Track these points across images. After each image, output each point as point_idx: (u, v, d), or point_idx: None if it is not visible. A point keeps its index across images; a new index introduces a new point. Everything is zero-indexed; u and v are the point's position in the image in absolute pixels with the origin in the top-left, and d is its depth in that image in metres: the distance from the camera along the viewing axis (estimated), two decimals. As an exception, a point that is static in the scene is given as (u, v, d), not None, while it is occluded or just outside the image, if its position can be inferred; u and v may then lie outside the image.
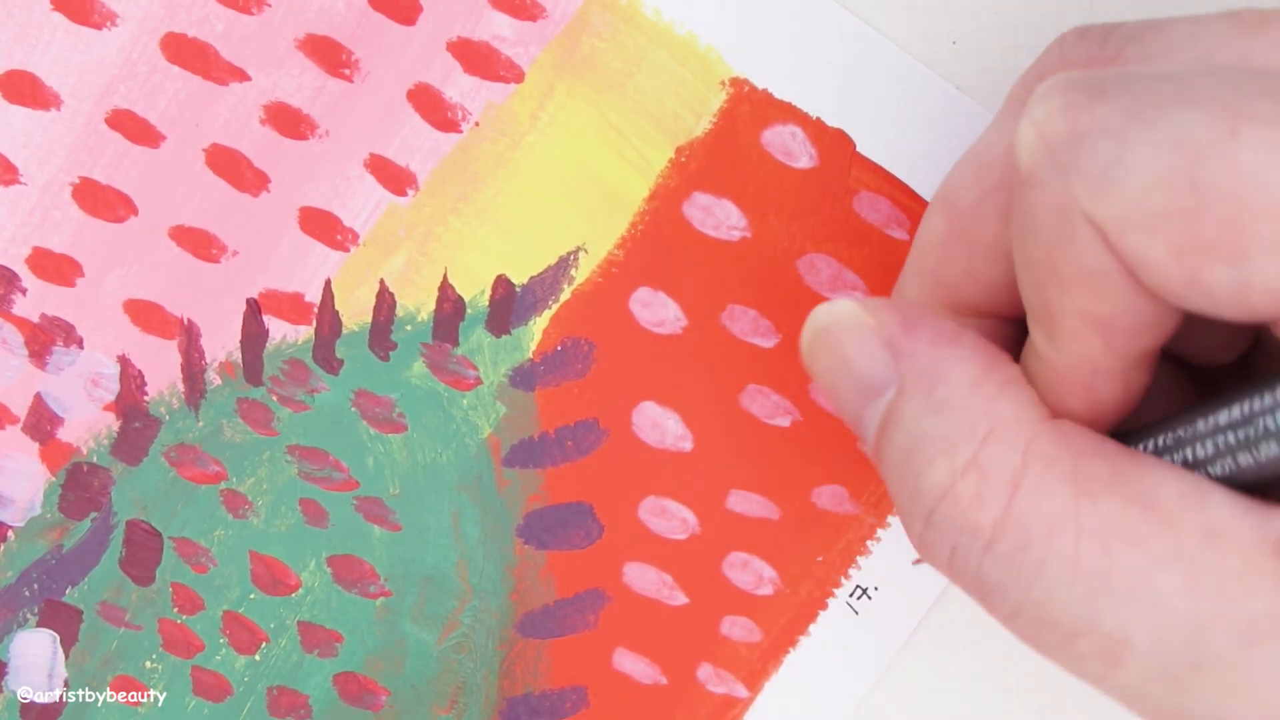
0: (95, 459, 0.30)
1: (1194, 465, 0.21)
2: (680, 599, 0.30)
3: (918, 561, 0.29)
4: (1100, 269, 0.19)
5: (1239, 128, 0.18)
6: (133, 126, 0.29)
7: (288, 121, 0.29)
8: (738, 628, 0.30)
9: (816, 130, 0.28)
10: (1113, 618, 0.20)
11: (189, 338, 0.30)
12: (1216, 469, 0.21)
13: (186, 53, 0.29)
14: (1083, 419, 0.22)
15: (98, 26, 0.29)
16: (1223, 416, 0.20)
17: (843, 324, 0.23)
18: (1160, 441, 0.22)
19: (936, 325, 0.23)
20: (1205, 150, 0.18)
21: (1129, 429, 0.22)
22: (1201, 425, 0.21)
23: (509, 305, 0.29)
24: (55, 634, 0.30)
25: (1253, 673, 0.19)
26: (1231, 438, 0.20)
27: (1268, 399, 0.20)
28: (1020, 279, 0.21)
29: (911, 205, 0.28)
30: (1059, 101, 0.19)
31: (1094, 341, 0.20)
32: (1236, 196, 0.18)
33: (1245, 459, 0.20)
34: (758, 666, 0.30)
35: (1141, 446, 0.22)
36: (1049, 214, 0.20)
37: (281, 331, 0.30)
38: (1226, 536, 0.19)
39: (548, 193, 0.29)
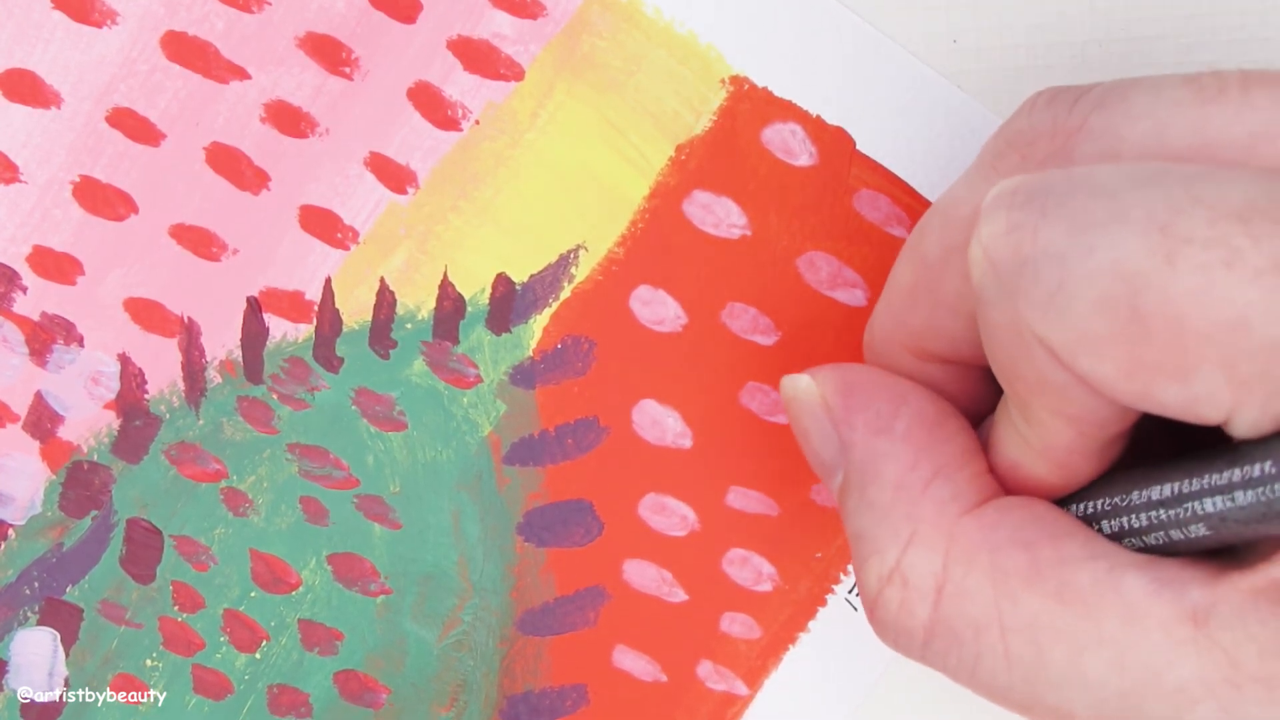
0: (96, 457, 0.30)
1: (1129, 534, 0.21)
2: (680, 596, 0.30)
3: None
4: (1059, 380, 0.20)
5: (1174, 253, 0.18)
6: (133, 125, 0.29)
7: (288, 120, 0.29)
8: (737, 624, 0.30)
9: (816, 128, 0.28)
10: (1054, 697, 0.21)
11: (189, 336, 0.30)
12: (1151, 539, 0.21)
13: (187, 51, 0.29)
14: (1056, 486, 0.23)
15: (98, 25, 0.29)
16: (1155, 492, 0.21)
17: (800, 401, 0.25)
18: (1099, 506, 0.22)
19: (874, 406, 0.24)
20: (1143, 278, 0.18)
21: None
22: (1136, 497, 0.21)
23: (509, 303, 0.29)
24: (56, 632, 0.30)
25: None
26: (1163, 514, 0.21)
27: (1195, 484, 0.20)
28: (992, 365, 0.22)
29: (911, 203, 0.28)
30: (1003, 222, 0.20)
31: (1065, 430, 0.21)
32: (1176, 321, 0.18)
33: (1177, 535, 0.20)
34: (757, 663, 0.30)
35: (1080, 507, 0.22)
36: (1002, 330, 0.20)
37: (282, 330, 0.30)
38: (1145, 615, 0.20)
39: (548, 191, 0.29)
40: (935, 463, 0.23)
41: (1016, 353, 0.20)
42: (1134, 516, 0.21)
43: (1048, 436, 0.21)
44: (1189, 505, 0.20)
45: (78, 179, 0.29)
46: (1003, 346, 0.21)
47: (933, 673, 0.29)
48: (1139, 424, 0.22)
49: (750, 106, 0.29)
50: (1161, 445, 0.23)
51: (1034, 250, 0.19)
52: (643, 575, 0.30)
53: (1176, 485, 0.20)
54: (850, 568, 0.29)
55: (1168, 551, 0.21)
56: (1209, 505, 0.20)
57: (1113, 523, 0.22)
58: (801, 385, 0.25)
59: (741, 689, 0.30)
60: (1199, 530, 0.20)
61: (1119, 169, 0.20)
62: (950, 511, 0.22)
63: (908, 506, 0.23)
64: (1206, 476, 0.20)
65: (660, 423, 0.29)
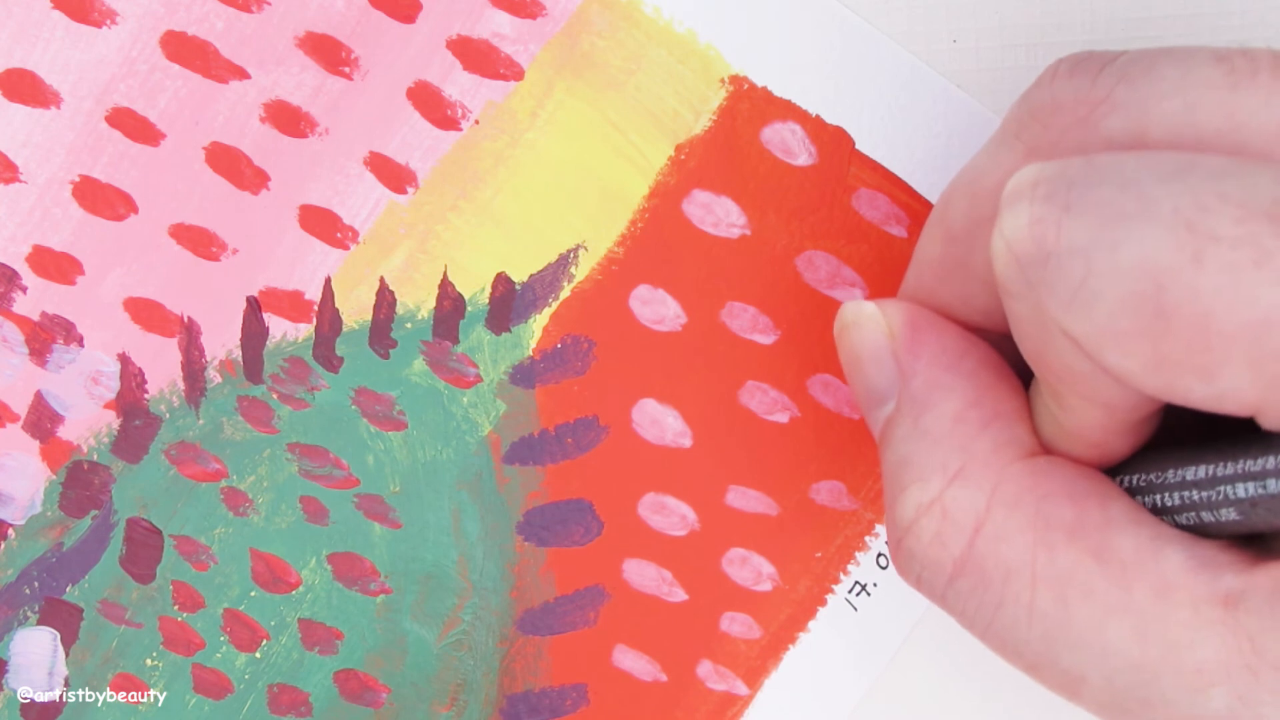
0: (95, 457, 0.30)
1: (1161, 511, 0.21)
2: (680, 595, 0.30)
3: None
4: (1086, 370, 0.20)
5: (1202, 251, 0.18)
6: (133, 125, 0.29)
7: (287, 119, 0.29)
8: (737, 624, 0.30)
9: (816, 128, 0.28)
10: (1069, 658, 0.21)
11: (189, 336, 0.30)
12: (1183, 519, 0.21)
13: (186, 51, 0.29)
14: (1091, 462, 0.22)
15: (97, 25, 0.29)
16: (1189, 473, 0.21)
17: (862, 327, 0.24)
18: (1134, 481, 0.22)
19: (941, 343, 0.23)
20: (1169, 276, 0.18)
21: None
22: (1171, 476, 0.21)
23: (509, 303, 0.29)
24: (55, 632, 0.30)
25: (1199, 714, 0.20)
26: (1196, 495, 0.21)
27: (1228, 468, 0.20)
28: (1021, 350, 0.22)
29: (910, 203, 0.28)
30: (1025, 216, 0.20)
31: (1096, 414, 0.21)
32: (1203, 320, 0.18)
33: (1208, 517, 0.20)
34: (757, 663, 0.30)
35: (1121, 480, 0.22)
36: (1028, 321, 0.20)
37: (281, 329, 0.30)
38: (1177, 590, 0.20)
39: (547, 190, 0.29)
40: (996, 407, 0.23)
41: (1043, 343, 0.20)
42: (1167, 495, 0.21)
43: (1079, 419, 0.21)
44: (1221, 489, 0.20)
45: (77, 179, 0.29)
46: (1029, 337, 0.21)
47: (932, 673, 0.29)
48: (1178, 413, 0.22)
49: (750, 106, 0.29)
50: (1200, 424, 0.23)
51: (1058, 245, 0.19)
52: (642, 575, 0.30)
53: (1211, 468, 0.20)
54: (849, 567, 0.29)
55: (1197, 533, 0.21)
56: (1240, 490, 0.20)
57: (1146, 499, 0.22)
58: (866, 311, 0.24)
59: (741, 689, 0.30)
60: (1229, 514, 0.20)
61: (1144, 160, 0.20)
62: (1004, 454, 0.22)
63: (963, 440, 0.22)
64: (1241, 461, 0.20)
65: (660, 422, 0.29)
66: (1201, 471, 0.21)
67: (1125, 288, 0.19)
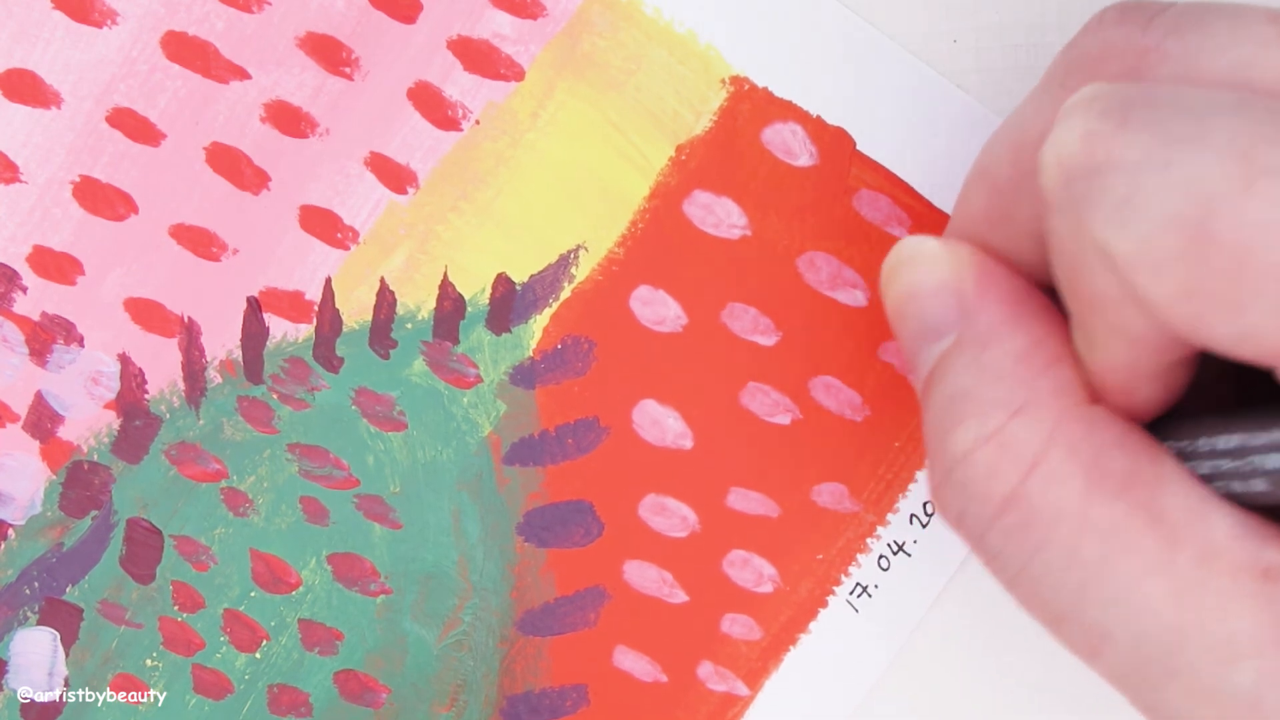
0: (96, 457, 0.30)
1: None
2: (680, 597, 0.30)
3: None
4: (1117, 296, 0.20)
5: (1254, 180, 0.18)
6: (133, 125, 0.29)
7: (288, 120, 0.29)
8: (738, 625, 0.30)
9: (817, 128, 0.28)
10: (1098, 612, 0.21)
11: (189, 336, 0.30)
12: (1214, 488, 0.21)
13: (187, 51, 0.29)
14: (1122, 412, 0.22)
15: (98, 25, 0.29)
16: (1220, 442, 0.21)
17: (924, 262, 0.24)
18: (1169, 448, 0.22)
19: (1009, 285, 0.23)
20: (1217, 200, 0.18)
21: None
22: (1203, 444, 0.21)
23: (509, 303, 0.29)
24: (55, 632, 0.30)
25: (1225, 688, 0.20)
26: (1226, 465, 0.20)
27: (1260, 438, 0.20)
28: (1056, 280, 0.21)
29: (911, 203, 0.28)
30: (1079, 129, 0.20)
31: (1127, 352, 0.21)
32: (1242, 251, 0.18)
33: (1239, 487, 0.20)
34: (758, 664, 0.30)
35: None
36: (1068, 239, 0.20)
37: (282, 330, 0.30)
38: (1219, 556, 0.20)
39: (548, 191, 0.29)
40: (1057, 350, 0.22)
41: (1079, 264, 0.20)
42: (1198, 464, 0.21)
43: (1108, 358, 0.21)
44: (1251, 459, 0.20)
45: (78, 179, 0.29)
46: (1067, 258, 0.20)
47: (933, 675, 0.29)
48: (1211, 379, 0.21)
49: (750, 106, 0.28)
50: (1233, 397, 0.23)
51: (1108, 158, 0.19)
52: (643, 576, 0.30)
53: (1242, 437, 0.20)
54: (851, 569, 0.29)
55: (1234, 500, 0.21)
56: (1271, 461, 0.20)
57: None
58: (928, 247, 0.24)
59: (742, 690, 0.30)
60: (1259, 485, 0.20)
61: (1203, 92, 0.19)
62: (1064, 397, 0.22)
63: (1026, 378, 0.22)
64: (1273, 431, 0.20)
65: (660, 423, 0.29)
66: (1233, 440, 0.20)
67: (1170, 208, 0.18)
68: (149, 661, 0.30)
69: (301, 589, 0.30)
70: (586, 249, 0.29)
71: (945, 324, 0.23)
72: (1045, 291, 0.24)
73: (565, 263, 0.29)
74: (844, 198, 0.29)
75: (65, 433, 0.30)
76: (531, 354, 0.29)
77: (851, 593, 0.29)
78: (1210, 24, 0.21)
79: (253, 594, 0.30)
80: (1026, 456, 0.21)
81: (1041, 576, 0.21)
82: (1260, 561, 0.20)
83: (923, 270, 0.24)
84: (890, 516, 0.29)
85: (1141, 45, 0.22)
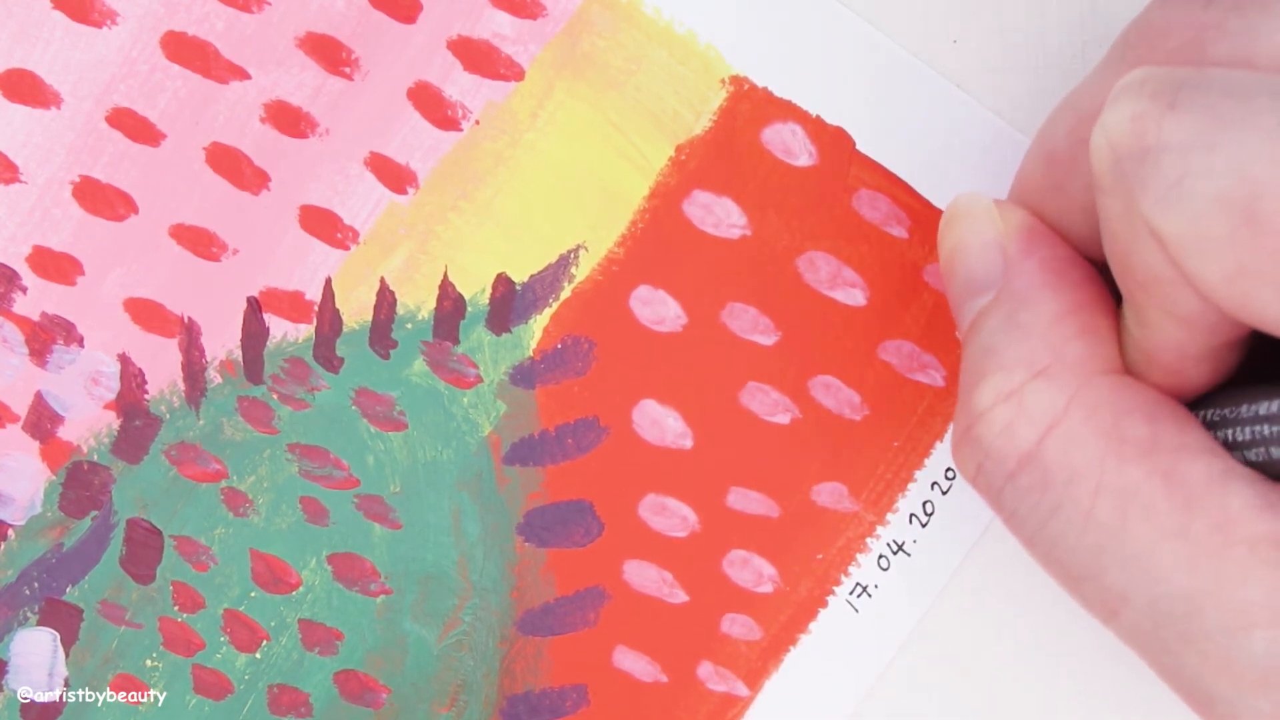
0: (96, 457, 0.30)
1: (1232, 446, 0.21)
2: (680, 597, 0.30)
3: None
4: (1168, 276, 0.20)
5: None
6: (133, 125, 0.29)
7: (288, 120, 0.29)
8: (738, 625, 0.30)
9: (816, 128, 0.28)
10: (1116, 575, 0.21)
11: (189, 336, 0.30)
12: (1252, 455, 0.21)
13: (186, 51, 0.29)
14: (1170, 393, 0.22)
15: (98, 25, 0.29)
16: (1261, 407, 0.21)
17: (977, 218, 0.24)
18: (1208, 416, 0.22)
19: (1053, 251, 0.24)
20: (1263, 184, 0.18)
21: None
22: (1245, 410, 0.21)
23: (509, 303, 0.29)
24: (55, 633, 0.30)
25: (1237, 654, 0.20)
26: (1268, 430, 0.21)
27: None
28: (1108, 260, 0.22)
29: (911, 203, 0.28)
30: (1129, 110, 0.20)
31: (1177, 332, 0.21)
32: None
33: (1278, 453, 0.20)
34: (758, 665, 0.30)
35: (1197, 415, 0.22)
36: (1118, 219, 0.20)
37: (282, 330, 0.30)
38: (1237, 525, 0.20)
39: (548, 191, 0.29)
40: (1092, 321, 0.23)
41: (1130, 244, 0.20)
42: (1240, 429, 0.21)
43: (1158, 337, 0.21)
44: None
45: (78, 179, 0.29)
46: (1117, 238, 0.21)
47: (933, 675, 0.29)
48: (1263, 353, 0.21)
49: (750, 106, 0.28)
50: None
51: (1158, 140, 0.19)
52: (643, 576, 0.30)
53: None
54: (850, 569, 0.29)
55: (1265, 471, 0.21)
56: None
57: (1219, 434, 0.22)
58: (982, 203, 0.25)
59: (742, 690, 0.30)
60: None
61: (1254, 76, 0.20)
62: (1091, 364, 0.22)
63: (1055, 341, 0.23)
64: None
65: (660, 423, 0.29)
66: (1275, 405, 0.21)
67: (1218, 190, 0.19)
68: (149, 662, 0.30)
69: (302, 589, 0.30)
70: (586, 249, 0.29)
71: (988, 280, 0.24)
72: (1098, 269, 0.24)
73: (565, 263, 0.29)
74: (843, 197, 0.29)
75: (65, 433, 0.30)
76: (531, 354, 0.29)
77: (851, 592, 0.29)
78: (1272, 3, 0.21)
79: (253, 594, 0.30)
80: (1044, 417, 0.22)
81: (1058, 537, 0.22)
82: (1277, 532, 0.20)
83: (972, 223, 0.24)
84: (890, 516, 0.29)
85: (1202, 21, 0.22)
